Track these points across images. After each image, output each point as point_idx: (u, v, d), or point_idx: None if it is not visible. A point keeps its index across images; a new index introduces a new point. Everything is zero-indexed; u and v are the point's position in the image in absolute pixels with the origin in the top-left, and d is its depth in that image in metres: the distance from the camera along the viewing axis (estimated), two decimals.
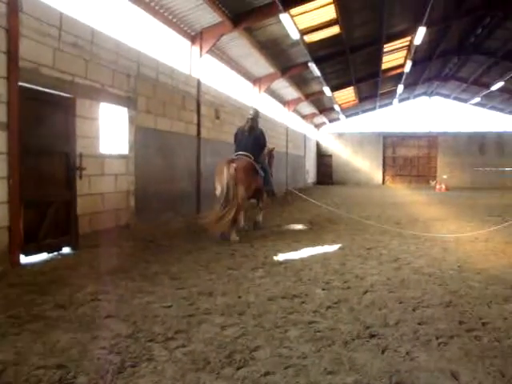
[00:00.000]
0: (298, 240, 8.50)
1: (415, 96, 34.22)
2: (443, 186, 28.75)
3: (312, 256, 6.99)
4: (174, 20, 11.63)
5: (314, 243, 8.11)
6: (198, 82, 12.64)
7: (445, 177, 32.05)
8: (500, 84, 24.39)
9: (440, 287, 5.19)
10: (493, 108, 33.11)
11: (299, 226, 10.54)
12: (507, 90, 26.67)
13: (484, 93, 28.35)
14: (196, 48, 12.80)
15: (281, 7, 11.74)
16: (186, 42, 12.71)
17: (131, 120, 9.33)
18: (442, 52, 23.03)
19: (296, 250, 7.49)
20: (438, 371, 3.00)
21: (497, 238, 8.94)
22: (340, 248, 7.71)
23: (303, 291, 4.97)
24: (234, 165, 8.25)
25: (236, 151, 9.32)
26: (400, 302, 4.58)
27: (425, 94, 34.49)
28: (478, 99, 30.65)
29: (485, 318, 4.10)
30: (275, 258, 6.82)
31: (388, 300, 4.66)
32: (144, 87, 9.84)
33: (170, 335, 3.62)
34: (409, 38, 18.92)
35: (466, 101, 32.94)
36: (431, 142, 34.95)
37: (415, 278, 5.59)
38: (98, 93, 8.18)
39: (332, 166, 36.12)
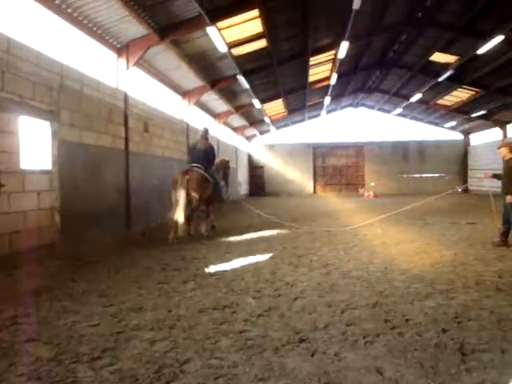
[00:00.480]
0: (229, 251, 8.49)
1: (342, 107, 35.55)
2: (371, 193, 29.94)
3: (244, 266, 7.01)
4: (99, 32, 11.38)
5: (245, 253, 8.14)
6: (126, 95, 12.41)
7: (372, 184, 33.45)
8: (418, 96, 25.85)
9: (367, 289, 5.37)
10: (413, 118, 35.04)
11: (233, 237, 10.54)
12: (424, 101, 28.33)
13: (405, 104, 29.92)
14: (122, 60, 12.58)
15: (207, 20, 11.84)
16: (112, 55, 12.46)
17: (54, 134, 8.97)
18: (364, 65, 24.16)
19: (228, 260, 7.48)
20: (364, 369, 3.11)
21: (420, 239, 9.42)
22: (271, 257, 7.79)
23: (234, 301, 4.96)
24: (187, 175, 9.73)
25: (190, 163, 10.67)
26: (329, 306, 4.69)
27: (351, 105, 35.90)
28: (399, 110, 32.31)
29: (408, 315, 4.30)
30: (207, 269, 6.78)
31: (318, 305, 4.76)
32: (68, 100, 9.50)
33: (97, 354, 3.48)
34: (333, 52, 19.65)
35: (389, 111, 34.64)
36: (359, 151, 36.36)
37: (344, 282, 5.76)
38: (17, 105, 7.80)
39: (264, 177, 36.55)
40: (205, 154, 10.66)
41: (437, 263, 6.85)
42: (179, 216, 9.39)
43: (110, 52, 12.31)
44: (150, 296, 5.28)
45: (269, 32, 14.85)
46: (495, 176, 8.77)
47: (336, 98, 29.87)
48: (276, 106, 27.74)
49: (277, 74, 20.07)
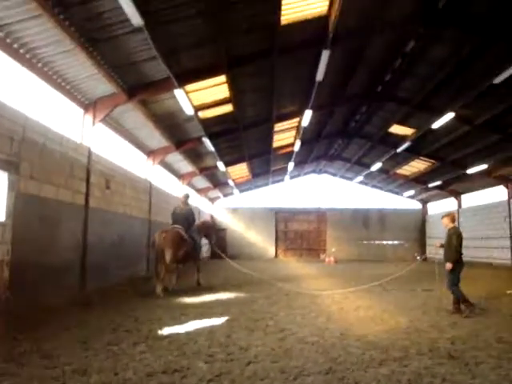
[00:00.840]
0: (185, 313, 8.27)
1: (305, 173, 36.38)
2: (332, 259, 30.11)
3: (198, 329, 6.82)
4: (68, 87, 11.47)
5: (201, 316, 7.94)
6: (89, 151, 12.36)
7: (333, 250, 33.74)
8: (378, 165, 26.85)
9: (321, 355, 5.29)
10: (374, 186, 36.16)
11: (190, 299, 10.29)
12: (384, 170, 29.44)
13: (366, 172, 30.96)
14: (89, 117, 12.64)
15: (176, 83, 12.18)
16: (79, 110, 12.52)
17: (11, 185, 8.76)
18: (327, 134, 25.06)
19: (183, 322, 7.28)
20: None
21: (377, 306, 9.44)
22: (228, 320, 7.62)
23: (185, 365, 4.79)
24: (164, 234, 11.11)
25: (172, 224, 12.08)
26: (282, 372, 4.58)
27: (314, 171, 36.79)
28: (361, 178, 33.36)
29: (360, 383, 4.23)
30: (160, 331, 6.55)
31: (271, 370, 4.64)
32: (29, 152, 9.37)
33: None
34: (297, 119, 20.37)
35: (351, 179, 35.68)
36: (320, 216, 36.86)
37: (299, 347, 5.66)
38: None
39: (226, 239, 36.33)
40: (185, 217, 12.13)
41: (392, 330, 6.86)
42: (157, 272, 10.87)
43: (77, 107, 12.38)
44: (96, 358, 5.04)
45: (235, 97, 15.36)
46: (442, 245, 9.12)
47: (299, 164, 30.64)
48: (240, 170, 28.16)
49: (242, 139, 20.56)
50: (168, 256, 10.77)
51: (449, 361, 5.09)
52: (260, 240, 36.23)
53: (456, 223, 8.90)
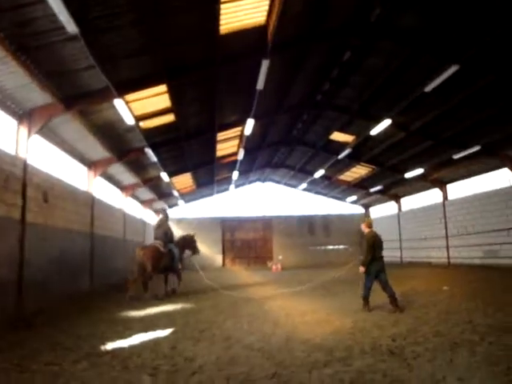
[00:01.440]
0: (130, 327, 8.06)
1: (250, 181, 36.59)
2: (279, 266, 30.39)
3: (143, 342, 6.66)
4: (0, 97, 10.98)
5: (146, 329, 7.76)
6: (25, 163, 11.85)
7: (280, 257, 34.09)
8: (321, 172, 27.45)
9: (268, 360, 5.31)
10: (318, 193, 36.89)
11: (134, 312, 10.05)
12: (327, 177, 30.14)
13: (309, 179, 31.55)
14: (24, 128, 12.12)
15: (115, 93, 11.92)
16: (13, 121, 11.99)
17: None
18: (270, 142, 25.37)
19: (127, 337, 7.08)
20: None
21: (323, 309, 9.59)
22: (173, 332, 7.49)
23: (128, 379, 4.67)
24: (144, 249, 12.78)
25: (154, 239, 13.61)
26: (227, 379, 4.56)
27: (259, 179, 37.09)
28: (305, 185, 33.93)
29: None
30: (103, 347, 6.34)
31: (216, 378, 4.61)
32: None
33: None
34: (240, 128, 20.48)
35: (295, 186, 36.25)
36: (266, 224, 37.13)
37: (245, 354, 5.65)
38: None
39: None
40: (164, 232, 13.41)
41: (337, 331, 6.99)
42: (132, 282, 12.55)
43: (11, 118, 11.85)
44: (33, 380, 4.80)
45: (176, 107, 15.24)
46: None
47: (244, 172, 30.77)
48: (185, 180, 27.89)
49: (185, 148, 20.40)
50: (148, 268, 12.30)
51: (390, 357, 5.25)
52: (207, 249, 35.97)
53: (373, 228, 9.63)
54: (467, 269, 20.70)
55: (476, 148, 18.60)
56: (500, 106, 15.40)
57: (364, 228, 9.68)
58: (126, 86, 12.49)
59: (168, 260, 13.16)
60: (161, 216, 14.21)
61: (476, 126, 17.34)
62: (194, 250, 15.54)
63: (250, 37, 12.87)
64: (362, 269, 9.15)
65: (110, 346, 6.45)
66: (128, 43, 10.84)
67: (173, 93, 14.07)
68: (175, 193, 29.15)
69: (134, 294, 12.20)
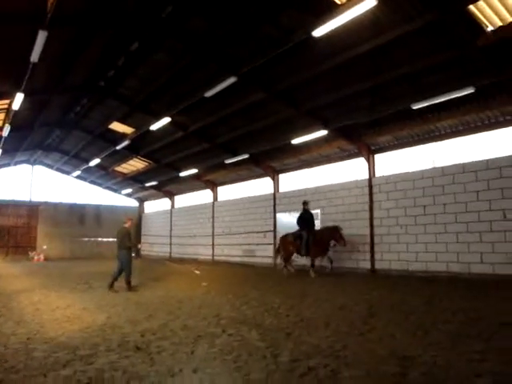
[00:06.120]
0: None
1: (16, 163, 32.79)
2: (42, 257, 28.16)
3: None
4: None
5: None
6: None
7: (45, 247, 31.54)
8: (97, 161, 26.35)
9: None
10: (92, 182, 35.24)
11: None
12: (103, 166, 29.09)
13: (84, 167, 29.87)
14: None
15: None
16: None
17: None
18: (44, 122, 23.17)
19: None
20: None
21: (78, 304, 9.19)
22: None
23: None
24: None
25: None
26: None
27: (27, 161, 33.48)
28: (78, 172, 32.03)
29: None
30: None
31: None
32: None
33: None
34: (7, 101, 18.25)
35: (68, 173, 33.85)
36: (32, 211, 33.75)
37: None
38: None
39: None
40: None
41: (87, 328, 6.75)
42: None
43: None
44: None
45: None
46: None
47: (9, 151, 27.45)
48: None
49: None
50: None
51: (135, 353, 5.29)
52: None
53: (127, 225, 12.72)
54: (228, 266, 22.43)
55: (245, 156, 20.37)
56: (267, 121, 17.20)
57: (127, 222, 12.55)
58: None
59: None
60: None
61: (246, 135, 19.00)
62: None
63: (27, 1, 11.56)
64: None
65: None
66: None
67: None
68: None
69: None
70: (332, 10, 9.90)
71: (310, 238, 15.54)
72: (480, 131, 14.22)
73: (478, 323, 6.75)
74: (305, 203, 16.44)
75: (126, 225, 12.75)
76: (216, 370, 4.68)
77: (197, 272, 13.11)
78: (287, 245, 16.36)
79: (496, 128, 13.84)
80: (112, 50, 15.32)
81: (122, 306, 9.03)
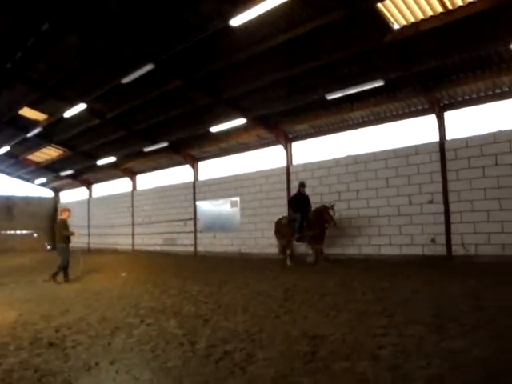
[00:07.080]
0: None
1: None
2: None
3: None
4: None
5: None
6: None
7: None
8: (6, 148, 24.75)
9: None
10: (2, 171, 32.97)
11: None
12: (13, 155, 27.35)
13: None
14: None
15: None
16: None
17: None
18: None
19: None
20: None
21: None
22: None
23: None
24: None
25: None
26: None
27: None
28: None
29: None
30: None
31: None
32: None
33: None
34: None
35: None
36: None
37: None
38: None
39: None
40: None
41: None
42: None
43: None
44: None
45: None
46: None
47: None
48: None
49: None
50: None
51: (48, 349, 5.16)
52: None
53: (64, 216, 12.67)
54: (148, 255, 22.15)
55: (164, 144, 20.11)
56: (186, 109, 17.08)
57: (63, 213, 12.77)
58: None
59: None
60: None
61: (165, 123, 18.77)
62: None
63: None
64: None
65: None
66: None
67: None
68: None
69: None
70: (249, 0, 10.05)
71: (304, 221, 14.17)
72: (389, 121, 15.19)
73: (384, 301, 7.27)
74: (302, 185, 14.82)
75: (62, 216, 12.79)
76: (133, 360, 4.70)
77: (123, 274, 12.85)
78: (281, 228, 15.16)
79: (402, 119, 14.84)
80: (20, 29, 14.38)
81: (35, 302, 8.67)
